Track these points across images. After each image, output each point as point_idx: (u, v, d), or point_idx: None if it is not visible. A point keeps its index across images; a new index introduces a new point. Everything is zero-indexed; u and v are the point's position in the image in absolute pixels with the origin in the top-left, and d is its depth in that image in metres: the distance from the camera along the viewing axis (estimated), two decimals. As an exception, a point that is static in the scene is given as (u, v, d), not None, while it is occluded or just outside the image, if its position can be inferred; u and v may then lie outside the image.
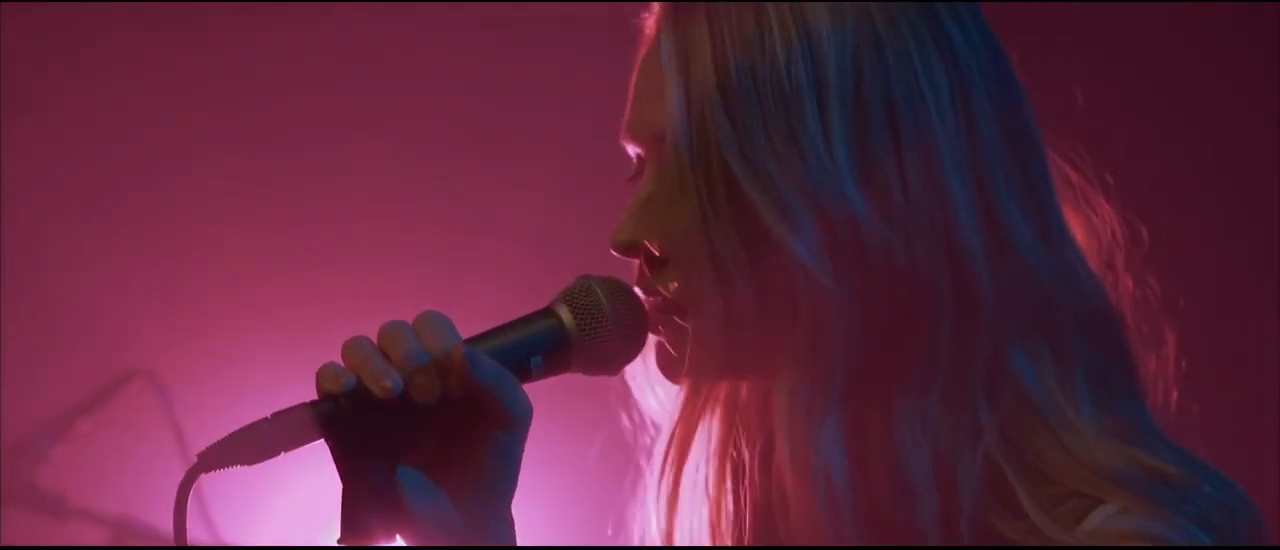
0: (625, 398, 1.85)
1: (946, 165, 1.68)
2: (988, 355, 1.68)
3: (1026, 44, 1.79)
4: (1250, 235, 3.34)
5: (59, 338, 3.55)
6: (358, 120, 3.63)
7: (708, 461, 1.77)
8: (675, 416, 1.75)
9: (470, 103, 3.64)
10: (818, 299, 1.65)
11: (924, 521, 1.65)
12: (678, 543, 1.78)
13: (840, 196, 1.65)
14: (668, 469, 1.75)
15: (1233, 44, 3.34)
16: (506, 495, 1.64)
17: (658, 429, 1.84)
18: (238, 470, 1.59)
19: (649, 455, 1.85)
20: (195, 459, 1.56)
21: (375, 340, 1.62)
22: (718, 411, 1.77)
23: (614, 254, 1.75)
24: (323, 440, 1.60)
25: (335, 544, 1.61)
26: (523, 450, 1.64)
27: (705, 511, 1.78)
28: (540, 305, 1.72)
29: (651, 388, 1.82)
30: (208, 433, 1.59)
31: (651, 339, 1.75)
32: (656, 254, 1.72)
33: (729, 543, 1.78)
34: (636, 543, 1.85)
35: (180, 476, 1.56)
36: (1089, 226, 1.81)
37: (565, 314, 1.70)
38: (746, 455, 1.78)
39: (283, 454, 1.58)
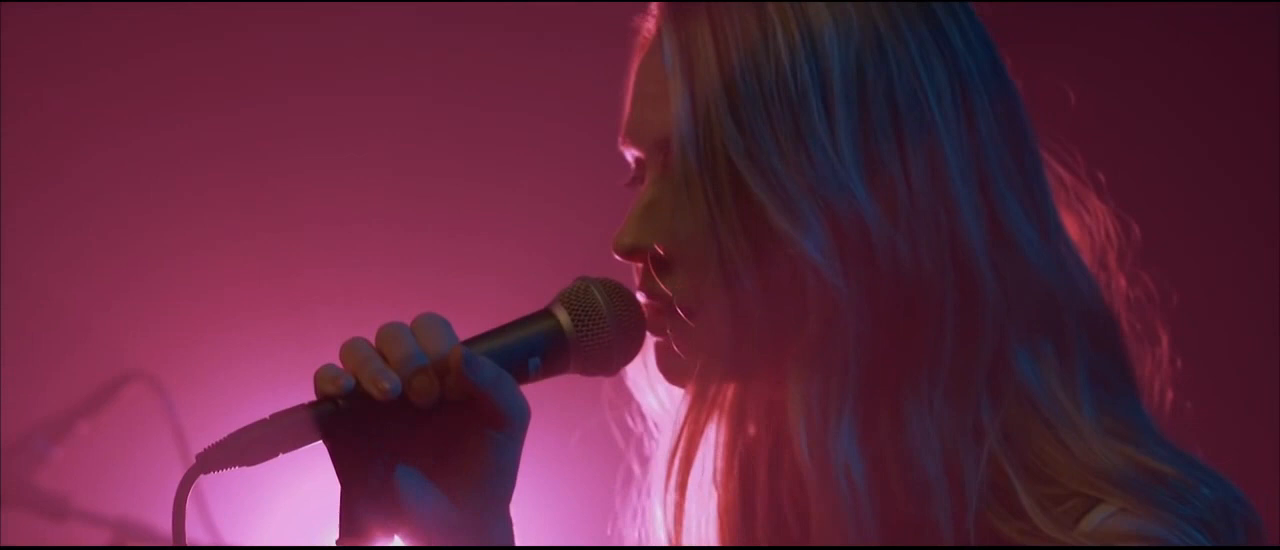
0: (625, 397, 1.86)
1: (950, 164, 1.68)
2: (990, 354, 1.68)
3: (1019, 43, 1.79)
4: (1245, 233, 3.34)
5: (59, 338, 3.55)
6: (358, 121, 3.63)
7: (715, 462, 1.77)
8: (681, 418, 1.74)
9: (470, 103, 3.64)
10: (826, 297, 1.66)
11: (938, 519, 1.66)
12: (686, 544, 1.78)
13: (847, 196, 1.66)
14: (675, 471, 1.75)
15: (1226, 41, 3.34)
16: (505, 495, 1.64)
17: (659, 429, 1.84)
18: (238, 471, 1.59)
19: (641, 459, 1.85)
20: (194, 460, 1.57)
21: (373, 342, 1.62)
22: (724, 413, 1.77)
23: (616, 258, 1.75)
24: (321, 441, 1.60)
25: (334, 544, 1.62)
26: (521, 451, 1.64)
27: (713, 512, 1.78)
28: (538, 306, 1.72)
29: (652, 388, 1.82)
30: (208, 433, 1.59)
31: (650, 339, 1.76)
32: (662, 256, 1.72)
33: (738, 543, 1.79)
34: (633, 542, 1.85)
35: (180, 477, 1.56)
36: (1082, 225, 1.81)
37: (563, 315, 1.70)
38: (754, 456, 1.78)
39: (281, 455, 1.59)
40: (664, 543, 1.79)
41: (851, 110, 1.67)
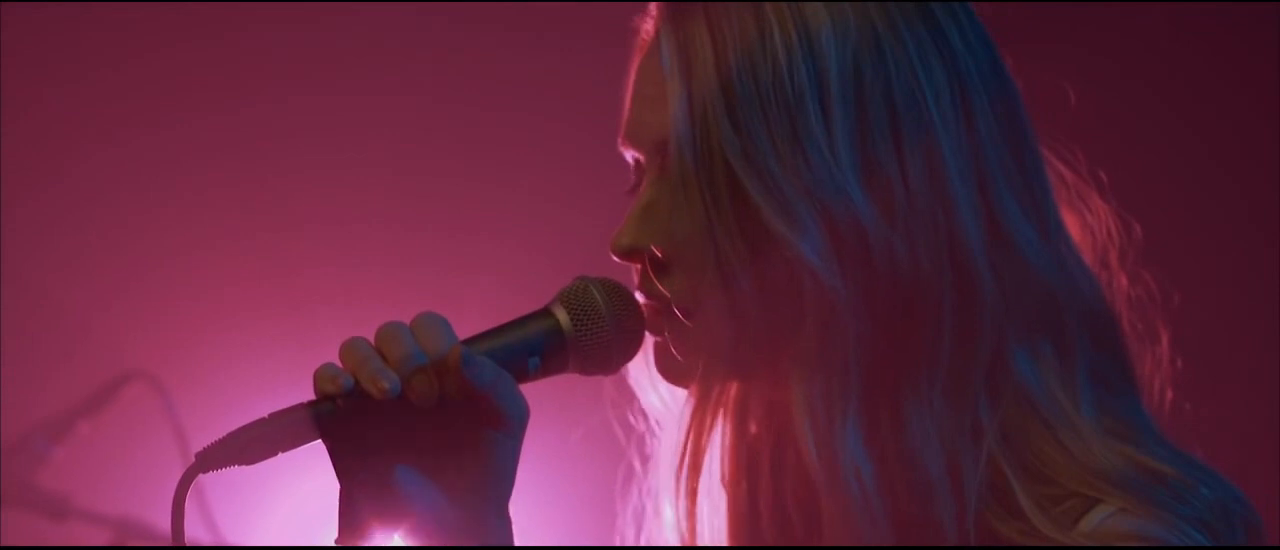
0: (626, 396, 1.86)
1: (948, 165, 1.68)
2: (989, 354, 1.68)
3: (1019, 43, 1.79)
4: (1246, 233, 3.34)
5: (59, 338, 3.55)
6: (358, 121, 3.62)
7: (722, 465, 1.77)
8: (685, 421, 1.74)
9: (470, 103, 3.64)
10: (824, 299, 1.66)
11: (942, 518, 1.66)
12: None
13: (844, 197, 1.66)
14: (684, 474, 1.74)
15: (1228, 40, 3.34)
16: (504, 495, 1.64)
17: (660, 428, 1.84)
18: (240, 470, 1.59)
19: (642, 457, 1.85)
20: (194, 459, 1.57)
21: (373, 341, 1.62)
22: (727, 414, 1.77)
23: (615, 259, 1.75)
24: (320, 440, 1.60)
25: (333, 544, 1.62)
26: (520, 450, 1.64)
27: (723, 513, 1.78)
28: (537, 306, 1.72)
29: (654, 387, 1.82)
30: (208, 433, 1.59)
31: (650, 339, 1.76)
32: (659, 257, 1.72)
33: (744, 543, 1.79)
34: (634, 540, 1.85)
35: (180, 477, 1.56)
36: (1083, 224, 1.81)
37: (562, 315, 1.70)
38: (757, 455, 1.78)
39: (280, 454, 1.59)
40: (671, 542, 1.79)
41: (848, 111, 1.67)
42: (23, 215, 3.55)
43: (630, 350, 1.73)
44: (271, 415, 1.59)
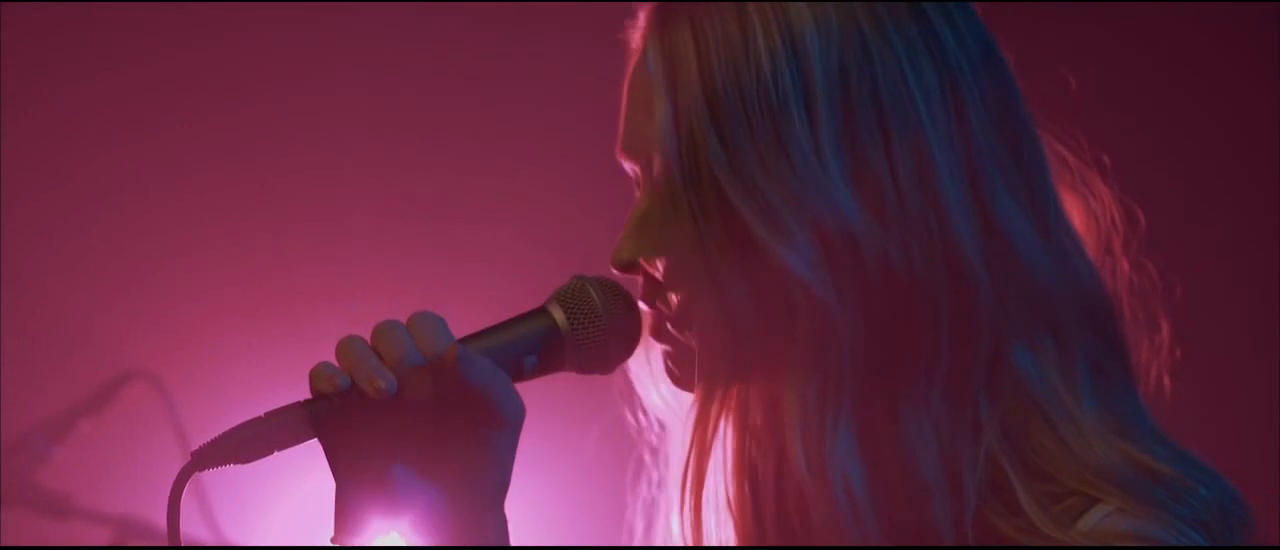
0: (626, 394, 1.86)
1: (939, 165, 1.67)
2: (988, 352, 1.67)
3: (1021, 31, 1.78)
4: (1249, 224, 3.34)
5: (60, 338, 3.55)
6: (357, 121, 3.63)
7: (724, 471, 1.76)
8: (689, 430, 1.73)
9: (469, 103, 3.64)
10: (816, 310, 1.65)
11: (938, 520, 1.65)
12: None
13: (832, 205, 1.65)
14: (689, 483, 1.73)
15: (1231, 29, 3.34)
16: (500, 494, 1.64)
17: (662, 426, 1.84)
18: (241, 470, 1.59)
19: (651, 449, 1.85)
20: (190, 457, 1.57)
21: (369, 340, 1.62)
22: (730, 421, 1.77)
23: (615, 272, 1.75)
24: (317, 439, 1.60)
25: (330, 543, 1.62)
26: (516, 449, 1.64)
27: (728, 520, 1.78)
28: (534, 304, 1.72)
29: (656, 385, 1.82)
30: (208, 433, 1.59)
31: (657, 345, 1.75)
32: (656, 270, 1.72)
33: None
34: (642, 532, 1.85)
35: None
36: (1087, 209, 1.80)
37: (558, 313, 1.70)
38: (761, 463, 1.77)
39: (276, 453, 1.59)
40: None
41: (834, 112, 1.66)
42: (23, 215, 3.55)
43: (627, 349, 1.73)
44: (268, 414, 1.59)
